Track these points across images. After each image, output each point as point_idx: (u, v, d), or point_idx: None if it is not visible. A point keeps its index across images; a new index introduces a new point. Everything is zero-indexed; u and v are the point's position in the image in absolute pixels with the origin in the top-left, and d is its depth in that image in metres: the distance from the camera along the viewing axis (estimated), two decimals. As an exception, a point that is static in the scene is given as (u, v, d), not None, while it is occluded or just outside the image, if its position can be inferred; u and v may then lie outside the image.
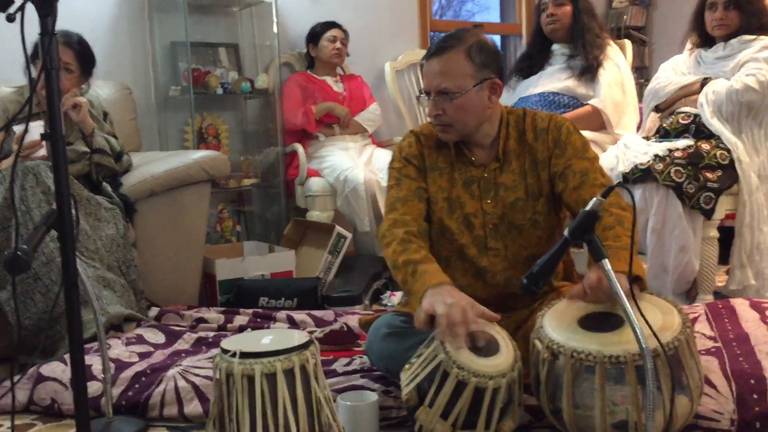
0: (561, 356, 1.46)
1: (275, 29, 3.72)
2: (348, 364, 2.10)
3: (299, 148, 3.60)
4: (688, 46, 3.04)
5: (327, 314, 2.63)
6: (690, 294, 2.74)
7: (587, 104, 3.12)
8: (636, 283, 1.54)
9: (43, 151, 2.45)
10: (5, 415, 1.92)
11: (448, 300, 1.54)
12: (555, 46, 3.24)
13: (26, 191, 2.32)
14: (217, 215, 3.66)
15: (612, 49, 3.19)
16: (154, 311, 2.59)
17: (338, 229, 3.25)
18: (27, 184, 2.32)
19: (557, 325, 1.53)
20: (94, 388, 1.89)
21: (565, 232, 1.43)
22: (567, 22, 3.16)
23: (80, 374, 1.38)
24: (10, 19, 1.20)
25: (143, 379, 1.97)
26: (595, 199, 1.38)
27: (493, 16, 5.39)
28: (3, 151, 2.63)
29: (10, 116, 2.58)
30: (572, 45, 3.18)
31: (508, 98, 3.29)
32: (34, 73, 2.66)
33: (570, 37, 3.18)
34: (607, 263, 1.37)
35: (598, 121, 3.11)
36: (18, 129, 2.51)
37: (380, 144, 3.93)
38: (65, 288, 1.35)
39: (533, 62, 3.29)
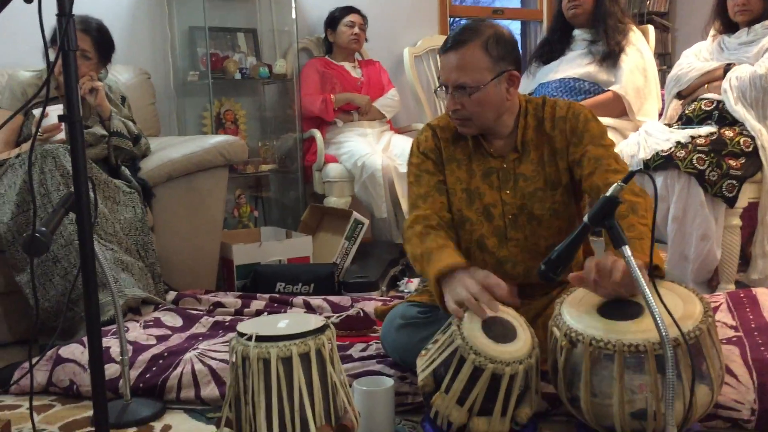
0: (579, 344, 1.44)
1: (294, 14, 3.70)
2: (364, 350, 2.10)
3: (317, 134, 3.59)
4: (711, 32, 2.99)
5: (343, 300, 2.63)
6: (711, 283, 2.71)
7: (608, 90, 3.08)
8: (654, 272, 1.52)
9: (61, 135, 2.46)
10: (24, 396, 1.93)
11: (466, 282, 1.56)
12: (576, 32, 3.20)
13: (45, 174, 2.33)
14: (234, 200, 3.67)
15: (635, 35, 3.15)
16: (171, 295, 2.61)
17: (355, 215, 3.25)
18: (46, 167, 2.34)
19: (576, 312, 1.51)
20: (111, 370, 1.91)
21: (585, 218, 1.40)
22: (589, 7, 3.12)
23: (98, 356, 1.38)
24: (28, 0, 1.19)
25: (160, 361, 1.98)
26: (615, 185, 1.36)
27: (514, 2, 5.34)
28: (22, 135, 2.65)
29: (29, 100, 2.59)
30: (594, 30, 3.13)
31: (527, 84, 3.26)
32: (52, 57, 2.68)
33: (591, 22, 3.14)
34: (627, 249, 1.35)
35: (620, 107, 3.07)
36: (37, 112, 2.52)
37: (398, 130, 3.91)
38: (82, 270, 1.35)
39: (553, 48, 3.25)
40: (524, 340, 1.52)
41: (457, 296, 1.57)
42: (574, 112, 1.86)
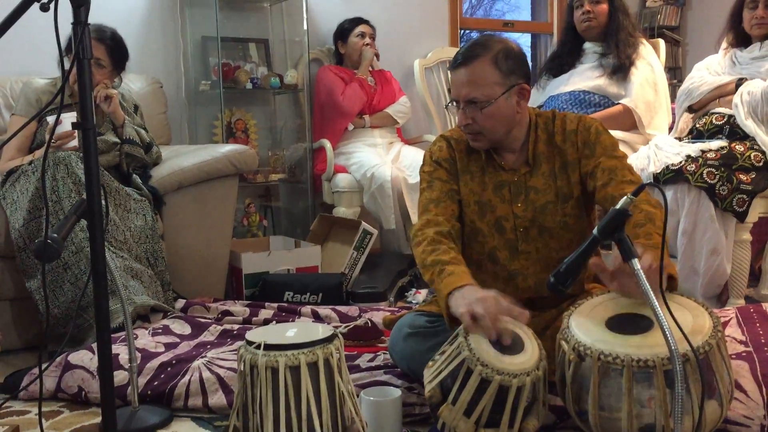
0: (587, 358, 1.44)
1: (305, 25, 3.72)
2: (372, 360, 2.10)
3: (327, 143, 3.60)
4: (724, 45, 2.98)
5: (351, 310, 2.63)
6: (721, 298, 2.69)
7: (618, 103, 3.08)
8: (668, 282, 1.52)
9: (74, 142, 2.48)
10: (33, 402, 1.94)
11: (479, 296, 1.54)
12: (587, 45, 3.21)
13: (57, 181, 2.35)
14: (244, 209, 3.68)
15: (645, 49, 3.15)
16: (180, 303, 2.61)
17: (364, 225, 3.25)
18: (58, 175, 2.36)
19: (584, 325, 1.51)
20: (120, 377, 1.91)
21: (594, 231, 1.40)
22: (602, 21, 3.12)
23: (107, 363, 1.39)
24: (44, 8, 1.21)
25: (168, 369, 1.99)
26: (625, 197, 1.36)
27: (524, 15, 5.35)
28: (35, 141, 2.67)
29: (43, 106, 2.61)
30: (605, 44, 3.14)
31: (537, 97, 3.26)
32: (67, 65, 2.70)
33: (603, 35, 3.14)
34: (636, 263, 1.34)
35: (629, 120, 3.07)
36: (51, 120, 2.54)
37: (408, 141, 3.92)
38: (93, 277, 1.36)
39: (564, 61, 3.26)
40: (532, 352, 1.52)
41: (471, 310, 1.55)
42: (584, 124, 1.87)
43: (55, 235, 1.52)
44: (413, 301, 3.03)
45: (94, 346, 2.11)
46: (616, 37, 3.08)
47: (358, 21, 3.79)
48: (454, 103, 1.84)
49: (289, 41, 3.92)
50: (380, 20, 3.91)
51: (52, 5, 1.21)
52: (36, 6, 1.27)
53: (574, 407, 1.50)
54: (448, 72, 4.14)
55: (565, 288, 1.43)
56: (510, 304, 1.56)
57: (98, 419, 1.84)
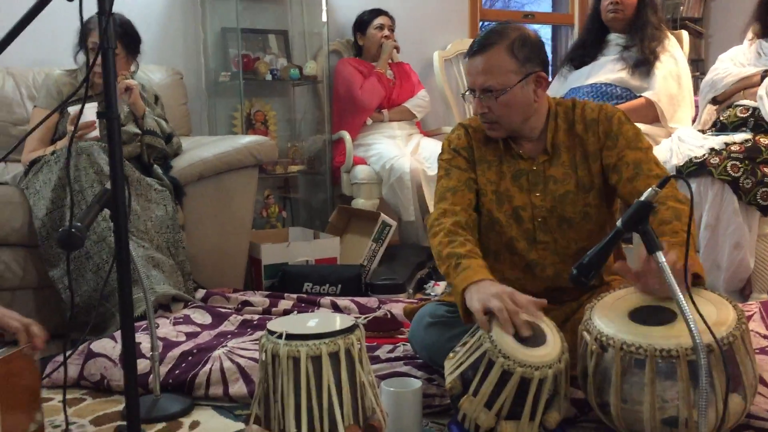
0: (610, 349, 1.43)
1: (324, 17, 3.72)
2: (391, 351, 2.10)
3: (346, 135, 3.60)
4: (749, 36, 2.94)
5: (371, 301, 2.63)
6: (744, 292, 2.66)
7: (641, 96, 3.05)
8: (694, 281, 1.50)
9: (95, 132, 2.50)
10: (56, 390, 1.96)
11: (494, 291, 1.52)
12: (611, 36, 3.17)
13: (79, 171, 2.37)
14: (263, 201, 3.69)
15: (669, 42, 3.11)
16: (200, 293, 2.63)
17: (383, 217, 3.25)
18: (80, 165, 2.38)
19: (607, 317, 1.50)
20: (142, 365, 1.92)
21: (618, 223, 1.39)
22: (630, 13, 3.09)
23: (131, 352, 1.40)
24: (70, -2, 1.21)
25: (190, 358, 2.00)
26: (650, 189, 1.34)
27: (544, 6, 5.31)
28: (57, 132, 2.69)
29: (65, 98, 2.63)
30: (629, 36, 3.10)
31: (559, 88, 3.24)
32: (83, 56, 2.71)
33: (629, 27, 3.11)
34: (660, 255, 1.33)
35: (652, 113, 3.04)
36: (72, 110, 2.56)
37: (427, 133, 3.91)
38: (117, 266, 1.37)
39: (586, 52, 3.23)
40: (554, 344, 1.51)
41: (487, 304, 1.54)
42: (606, 114, 1.85)
43: (79, 224, 1.53)
44: (432, 294, 3.02)
45: (116, 334, 2.13)
46: (642, 32, 3.04)
47: (378, 12, 3.78)
48: (470, 92, 1.83)
49: (308, 33, 3.92)
50: (399, 11, 3.90)
51: (77, -5, 1.21)
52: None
53: (596, 399, 1.49)
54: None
55: (588, 280, 1.42)
56: (527, 298, 1.54)
57: (120, 407, 1.86)
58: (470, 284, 1.59)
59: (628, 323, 1.47)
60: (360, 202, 3.49)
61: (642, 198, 1.35)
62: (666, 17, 4.94)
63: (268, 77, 3.62)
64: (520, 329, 1.49)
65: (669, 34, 3.17)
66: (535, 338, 1.51)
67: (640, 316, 1.49)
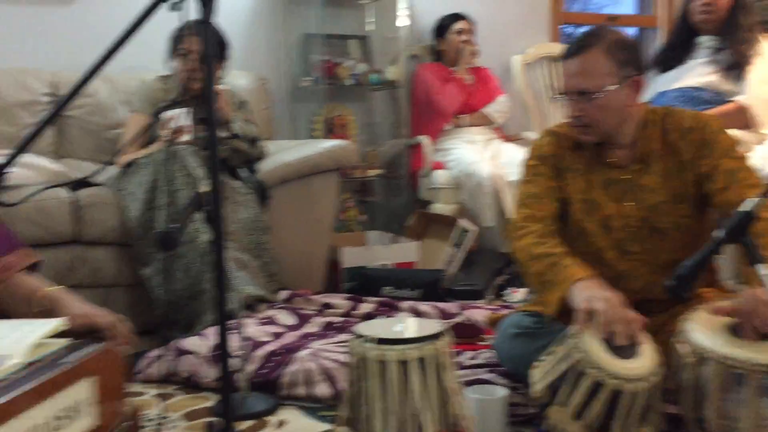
0: (708, 362, 1.38)
1: (403, 21, 3.73)
2: (473, 358, 2.09)
3: (424, 140, 3.61)
4: None
5: (450, 307, 2.62)
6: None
7: (732, 101, 2.95)
8: None
9: (186, 137, 2.58)
10: (149, 384, 2.04)
11: (604, 295, 1.51)
12: (701, 38, 3.07)
13: (172, 174, 2.46)
14: (341, 204, 3.73)
15: (763, 45, 2.99)
16: (283, 294, 2.67)
17: (462, 222, 3.24)
18: (173, 168, 2.46)
19: (704, 329, 1.45)
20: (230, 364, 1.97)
21: (718, 233, 1.35)
22: (722, 14, 2.98)
23: (225, 351, 1.44)
24: (176, 8, 1.26)
25: (275, 358, 2.04)
26: (757, 199, 1.30)
27: (624, 8, 5.18)
28: (151, 136, 2.79)
29: (158, 104, 2.72)
30: (720, 38, 3.00)
31: (644, 92, 3.15)
32: (174, 64, 2.80)
33: (720, 29, 3.00)
34: (764, 268, 1.29)
35: (743, 119, 2.92)
36: (164, 116, 2.65)
37: (507, 138, 3.87)
38: (214, 268, 1.42)
39: (673, 55, 3.13)
40: (649, 356, 1.47)
41: (593, 303, 1.52)
42: (701, 123, 1.80)
43: (176, 225, 1.60)
44: (511, 300, 2.99)
45: (204, 332, 2.20)
46: (735, 35, 2.94)
47: (457, 17, 3.78)
48: (564, 95, 1.80)
49: (387, 38, 3.94)
50: (479, 16, 3.88)
51: (183, 4, 1.26)
52: (142, 2, 1.33)
53: (692, 414, 1.44)
54: (549, 67, 4.09)
55: (686, 293, 1.38)
56: (635, 315, 1.52)
57: (209, 403, 1.91)
58: (579, 280, 1.58)
59: (728, 337, 1.42)
60: (438, 207, 3.49)
61: (745, 208, 1.31)
62: (758, 20, 4.75)
63: (348, 82, 3.66)
64: (617, 336, 1.46)
65: (762, 38, 3.05)
66: (629, 350, 1.47)
67: (739, 330, 1.44)
